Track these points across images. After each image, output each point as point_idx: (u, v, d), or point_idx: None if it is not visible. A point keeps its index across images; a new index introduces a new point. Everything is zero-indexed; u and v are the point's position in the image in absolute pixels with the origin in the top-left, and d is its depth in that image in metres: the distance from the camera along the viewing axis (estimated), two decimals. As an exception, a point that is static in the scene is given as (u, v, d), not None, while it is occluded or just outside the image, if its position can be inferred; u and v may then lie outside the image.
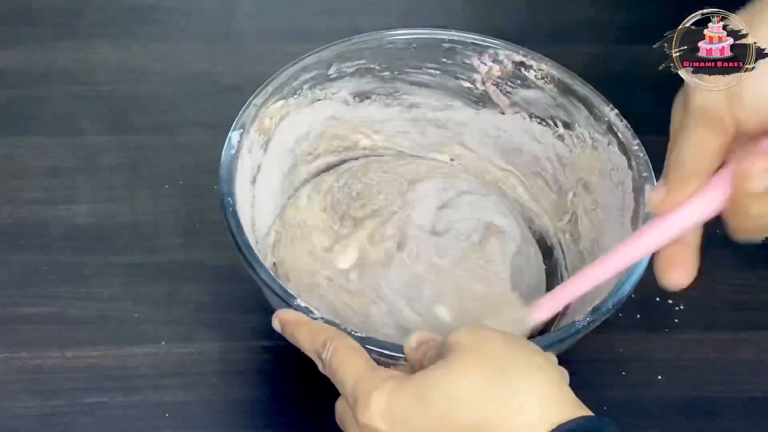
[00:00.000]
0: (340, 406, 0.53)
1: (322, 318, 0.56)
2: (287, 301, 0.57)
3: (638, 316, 0.70)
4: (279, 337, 0.64)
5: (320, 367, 0.54)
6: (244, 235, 0.60)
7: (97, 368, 0.65)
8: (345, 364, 0.52)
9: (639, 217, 0.64)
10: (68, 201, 0.74)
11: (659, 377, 0.68)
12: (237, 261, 0.62)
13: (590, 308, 0.59)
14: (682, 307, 0.71)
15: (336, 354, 0.53)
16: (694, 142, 0.51)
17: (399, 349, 0.54)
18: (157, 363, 0.66)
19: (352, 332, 0.55)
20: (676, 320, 0.71)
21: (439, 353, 0.50)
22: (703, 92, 0.51)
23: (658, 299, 0.71)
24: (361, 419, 0.49)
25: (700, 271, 0.74)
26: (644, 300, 0.71)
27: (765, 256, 0.75)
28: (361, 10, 0.88)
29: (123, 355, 0.66)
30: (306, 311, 0.56)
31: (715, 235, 0.75)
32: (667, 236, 0.53)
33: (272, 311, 0.59)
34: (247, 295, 0.68)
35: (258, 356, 0.67)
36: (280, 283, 0.58)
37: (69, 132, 0.78)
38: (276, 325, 0.57)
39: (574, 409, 0.46)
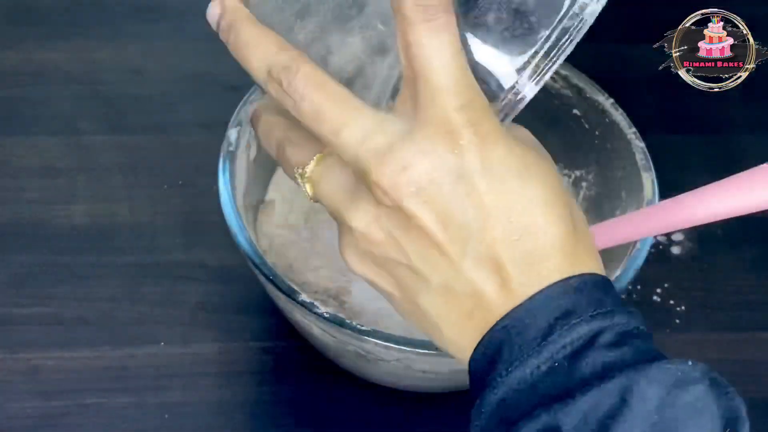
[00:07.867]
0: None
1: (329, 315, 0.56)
2: (292, 297, 0.57)
3: (638, 316, 0.70)
4: (279, 338, 0.64)
5: (273, 93, 0.41)
6: (245, 232, 0.60)
7: (96, 368, 0.65)
8: (333, 100, 0.40)
9: (642, 202, 0.64)
10: (67, 201, 0.74)
11: (659, 377, 0.68)
12: (237, 261, 0.62)
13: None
14: (682, 307, 0.71)
15: (311, 82, 0.40)
16: None
17: (409, 342, 0.54)
18: (156, 363, 0.66)
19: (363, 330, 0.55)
20: (676, 320, 0.71)
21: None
22: None
23: (658, 299, 0.71)
24: (388, 181, 0.39)
25: (701, 271, 0.74)
26: (644, 300, 0.71)
27: (765, 257, 0.75)
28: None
29: (122, 356, 0.66)
30: (311, 306, 0.56)
31: (715, 235, 0.76)
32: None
33: (272, 312, 0.59)
34: (247, 295, 0.68)
35: (257, 357, 0.67)
36: (283, 278, 0.58)
37: (68, 132, 0.78)
38: (215, 12, 0.44)
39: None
